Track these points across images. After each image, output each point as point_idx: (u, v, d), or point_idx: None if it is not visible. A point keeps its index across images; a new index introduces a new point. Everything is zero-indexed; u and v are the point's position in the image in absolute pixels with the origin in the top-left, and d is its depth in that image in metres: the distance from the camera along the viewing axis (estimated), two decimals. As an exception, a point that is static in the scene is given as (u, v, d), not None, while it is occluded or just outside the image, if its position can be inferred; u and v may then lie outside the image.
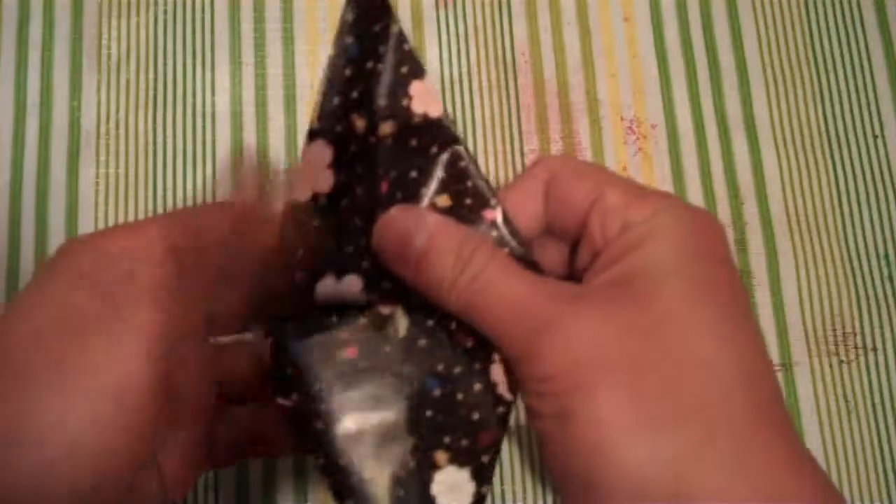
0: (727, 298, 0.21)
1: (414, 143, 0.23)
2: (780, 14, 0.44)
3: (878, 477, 0.38)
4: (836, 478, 0.38)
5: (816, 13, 0.44)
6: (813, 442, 0.38)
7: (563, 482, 0.20)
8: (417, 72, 0.23)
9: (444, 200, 0.24)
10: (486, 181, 0.24)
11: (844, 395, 0.39)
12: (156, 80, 0.41)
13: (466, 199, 0.24)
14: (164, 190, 0.39)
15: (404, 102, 0.23)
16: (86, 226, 0.39)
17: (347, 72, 0.23)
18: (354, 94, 0.23)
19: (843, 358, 0.40)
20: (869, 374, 0.40)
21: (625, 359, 0.20)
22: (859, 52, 0.44)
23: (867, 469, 0.38)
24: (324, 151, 0.23)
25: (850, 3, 0.44)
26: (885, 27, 0.44)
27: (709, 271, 0.21)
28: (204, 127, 0.40)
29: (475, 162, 0.24)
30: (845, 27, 0.44)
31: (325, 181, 0.24)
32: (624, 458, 0.19)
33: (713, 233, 0.22)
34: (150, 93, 0.40)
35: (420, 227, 0.23)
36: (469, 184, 0.24)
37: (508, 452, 0.37)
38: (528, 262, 0.24)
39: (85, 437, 0.19)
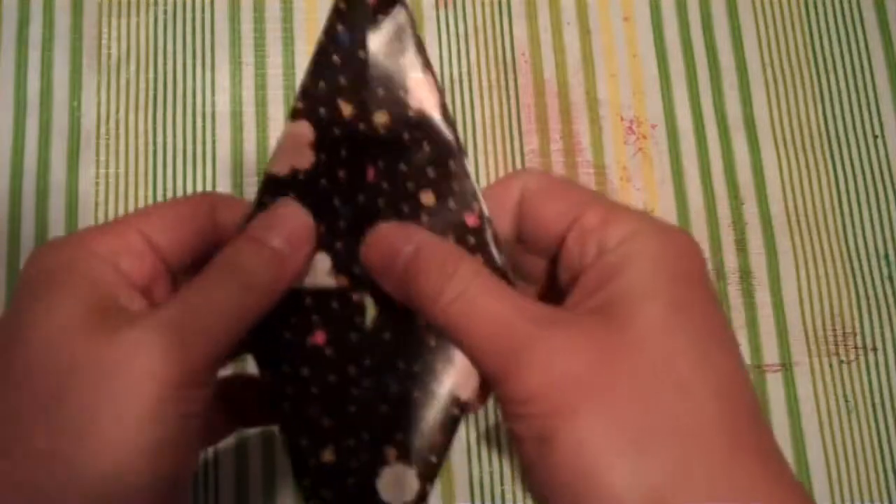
0: (703, 320, 0.21)
1: (406, 136, 0.23)
2: (780, 14, 0.44)
3: (878, 477, 0.38)
4: (836, 478, 0.38)
5: (816, 13, 0.44)
6: (813, 442, 0.39)
7: None
8: (419, 65, 0.23)
9: (428, 198, 0.24)
10: (474, 184, 0.24)
11: (844, 395, 0.39)
12: (156, 80, 0.41)
13: (450, 201, 0.24)
14: (164, 190, 0.39)
15: (401, 94, 0.23)
16: (86, 225, 0.39)
17: (336, 58, 0.24)
18: (343, 81, 0.24)
19: (843, 358, 0.40)
20: (869, 374, 0.40)
21: (603, 382, 0.20)
22: (859, 52, 0.44)
23: (867, 469, 0.38)
24: (306, 130, 0.24)
25: (850, 3, 0.44)
26: (885, 27, 0.44)
27: (685, 293, 0.21)
28: (204, 127, 0.40)
29: (464, 163, 0.24)
30: (845, 27, 0.44)
31: (305, 159, 0.24)
32: (606, 483, 0.19)
33: (689, 254, 0.22)
34: (150, 93, 0.40)
35: (407, 242, 0.23)
36: (455, 186, 0.24)
37: (509, 453, 0.37)
38: (502, 273, 0.24)
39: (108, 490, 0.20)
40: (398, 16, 0.23)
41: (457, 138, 0.24)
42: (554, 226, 0.23)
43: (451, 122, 0.25)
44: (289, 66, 0.41)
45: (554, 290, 0.24)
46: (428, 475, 0.24)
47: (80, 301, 0.21)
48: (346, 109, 0.24)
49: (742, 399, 0.20)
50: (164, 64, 0.41)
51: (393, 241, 0.23)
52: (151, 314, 0.21)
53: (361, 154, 0.24)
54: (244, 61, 0.41)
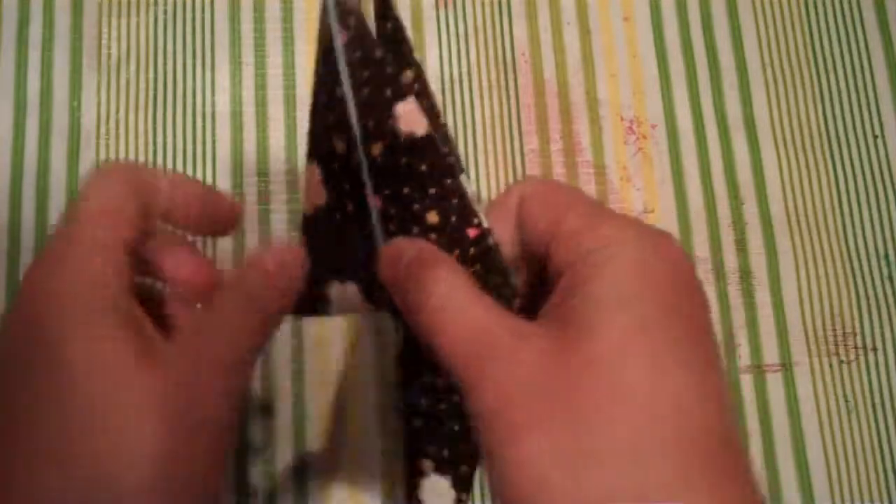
0: (675, 329, 0.20)
1: (404, 160, 0.24)
2: (780, 14, 0.44)
3: (878, 477, 0.38)
4: (836, 478, 0.38)
5: (816, 13, 0.44)
6: (813, 442, 0.39)
7: None
8: (400, 94, 0.23)
9: (432, 217, 0.24)
10: (472, 199, 0.24)
11: (844, 395, 0.39)
12: (156, 80, 0.41)
13: (452, 217, 0.24)
14: (164, 190, 0.39)
15: (390, 123, 0.23)
16: (86, 226, 0.39)
17: (322, 98, 0.25)
18: (331, 119, 0.24)
19: (843, 358, 0.40)
20: (869, 374, 0.40)
21: (556, 400, 0.19)
22: (859, 52, 0.44)
23: (867, 469, 0.38)
24: (316, 169, 0.25)
25: (850, 3, 0.44)
26: (885, 27, 0.44)
27: (655, 305, 0.20)
28: (204, 127, 0.40)
29: (460, 180, 0.24)
30: (845, 27, 0.44)
31: (320, 196, 0.26)
32: (553, 498, 0.19)
33: (671, 261, 0.21)
34: (150, 93, 0.40)
35: (406, 253, 0.24)
36: (455, 201, 0.24)
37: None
38: (501, 281, 0.24)
39: None
40: (376, 51, 0.23)
41: (450, 155, 0.24)
42: (541, 230, 0.23)
43: (445, 141, 0.25)
44: (289, 66, 0.41)
45: (545, 297, 0.24)
46: (463, 485, 0.24)
47: (119, 331, 0.22)
48: (339, 146, 0.24)
49: (704, 416, 0.20)
50: (164, 64, 0.41)
51: (398, 255, 0.24)
52: (166, 358, 0.22)
53: (360, 184, 0.25)
54: (244, 61, 0.41)
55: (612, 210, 0.23)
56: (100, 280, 0.22)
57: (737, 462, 0.20)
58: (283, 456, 0.37)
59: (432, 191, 0.24)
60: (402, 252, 0.24)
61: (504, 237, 0.24)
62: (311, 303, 0.26)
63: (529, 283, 0.25)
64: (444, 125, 0.27)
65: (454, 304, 0.22)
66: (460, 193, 0.24)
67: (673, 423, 0.19)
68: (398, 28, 0.26)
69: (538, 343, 0.20)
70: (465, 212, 0.24)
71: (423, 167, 0.24)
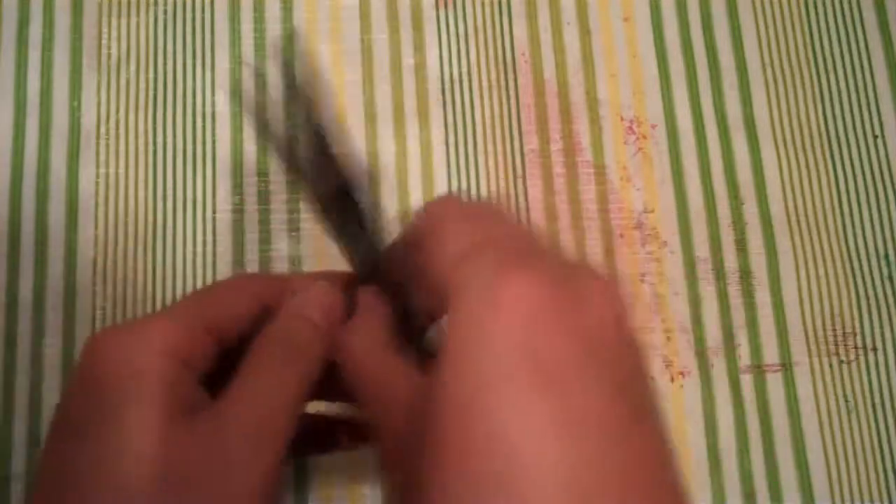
0: (538, 368, 0.18)
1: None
2: (780, 14, 0.44)
3: (878, 477, 0.38)
4: (836, 478, 0.38)
5: (816, 13, 0.44)
6: (813, 442, 0.38)
7: None
8: None
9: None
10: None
11: (844, 395, 0.39)
12: (156, 80, 0.41)
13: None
14: (164, 190, 0.39)
15: None
16: (86, 226, 0.39)
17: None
18: None
19: (843, 358, 0.40)
20: (869, 374, 0.40)
21: (428, 426, 0.19)
22: (859, 52, 0.44)
23: (867, 469, 0.38)
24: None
25: (850, 3, 0.44)
26: (885, 27, 0.44)
27: (516, 343, 0.18)
28: (204, 127, 0.40)
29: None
30: (845, 27, 0.44)
31: None
32: None
33: (519, 306, 0.19)
34: (150, 93, 0.40)
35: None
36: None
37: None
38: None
39: None
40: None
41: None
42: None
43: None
44: (288, 65, 0.41)
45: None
46: None
47: (159, 408, 0.21)
48: None
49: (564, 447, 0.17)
50: (164, 64, 0.41)
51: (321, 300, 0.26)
52: (223, 415, 0.22)
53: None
54: (244, 61, 0.41)
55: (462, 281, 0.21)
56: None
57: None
58: (283, 456, 0.37)
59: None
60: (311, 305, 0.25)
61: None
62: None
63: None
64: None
65: (358, 351, 0.24)
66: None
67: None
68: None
69: (412, 380, 0.22)
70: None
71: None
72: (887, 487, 0.38)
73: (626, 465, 0.17)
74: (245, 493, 0.21)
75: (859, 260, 0.41)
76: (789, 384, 0.39)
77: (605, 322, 0.19)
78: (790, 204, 0.42)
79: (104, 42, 0.41)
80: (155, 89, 0.41)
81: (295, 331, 0.24)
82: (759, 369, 0.39)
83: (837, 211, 0.42)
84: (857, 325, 0.40)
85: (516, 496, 0.16)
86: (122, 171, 0.40)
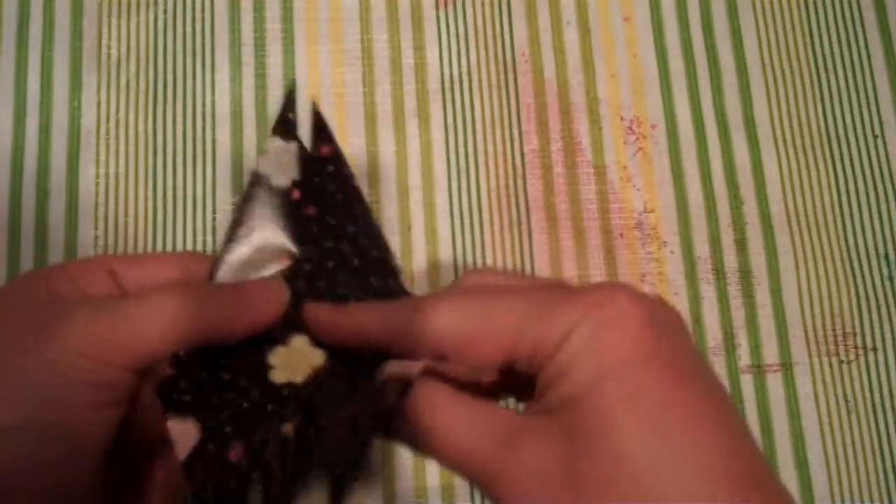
0: (660, 400, 0.21)
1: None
2: (780, 14, 0.44)
3: (878, 477, 0.38)
4: (836, 478, 0.38)
5: (816, 13, 0.44)
6: (813, 442, 0.38)
7: None
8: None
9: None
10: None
11: (844, 395, 0.39)
12: (156, 80, 0.41)
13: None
14: (164, 190, 0.39)
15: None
16: (86, 225, 0.39)
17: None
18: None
19: (843, 358, 0.40)
20: (869, 374, 0.40)
21: (568, 477, 0.20)
22: (859, 52, 0.44)
23: (867, 469, 0.38)
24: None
25: (850, 3, 0.44)
26: (885, 27, 0.44)
27: (636, 376, 0.21)
28: (204, 127, 0.40)
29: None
30: (845, 27, 0.44)
31: None
32: None
33: (629, 330, 0.21)
34: (150, 93, 0.40)
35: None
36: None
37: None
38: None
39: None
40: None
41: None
42: (493, 362, 0.23)
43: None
44: (289, 66, 0.41)
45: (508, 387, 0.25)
46: None
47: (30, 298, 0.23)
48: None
49: (720, 464, 0.20)
50: (164, 64, 0.41)
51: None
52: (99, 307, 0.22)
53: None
54: (244, 61, 0.41)
55: (564, 288, 0.23)
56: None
57: (775, 493, 0.20)
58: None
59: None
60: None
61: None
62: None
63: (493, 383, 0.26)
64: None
65: (439, 422, 0.22)
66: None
67: (685, 489, 0.20)
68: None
69: (537, 438, 0.21)
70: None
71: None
72: (887, 487, 0.38)
73: (720, 438, 0.21)
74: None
75: (859, 260, 0.41)
76: (789, 384, 0.39)
77: (648, 316, 0.22)
78: (790, 204, 0.42)
79: (104, 42, 0.41)
80: (155, 89, 0.41)
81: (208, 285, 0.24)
82: (759, 369, 0.39)
83: (837, 211, 0.42)
84: (857, 325, 0.40)
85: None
86: (122, 171, 0.40)
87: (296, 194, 0.26)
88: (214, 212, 0.39)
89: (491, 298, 0.23)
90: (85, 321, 0.22)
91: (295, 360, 0.25)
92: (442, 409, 0.23)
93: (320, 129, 0.26)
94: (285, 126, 0.26)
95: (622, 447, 0.20)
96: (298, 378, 0.24)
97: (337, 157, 0.26)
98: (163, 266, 0.25)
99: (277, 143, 0.26)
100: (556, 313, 0.22)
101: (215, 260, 0.25)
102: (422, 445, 0.23)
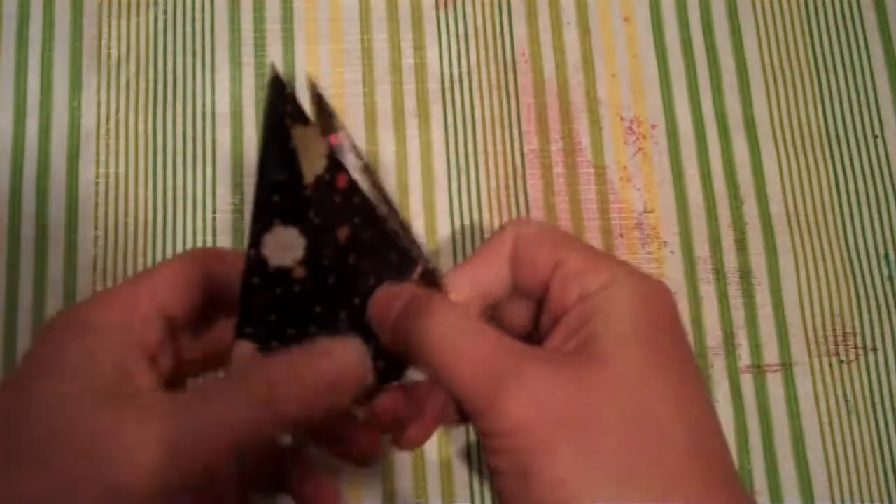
0: (678, 365, 0.22)
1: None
2: (780, 14, 0.44)
3: (878, 477, 0.38)
4: (836, 478, 0.38)
5: (816, 13, 0.44)
6: (813, 442, 0.38)
7: None
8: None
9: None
10: (408, 244, 0.26)
11: (844, 395, 0.39)
12: (156, 80, 0.41)
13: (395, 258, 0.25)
14: (164, 190, 0.39)
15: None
16: (86, 225, 0.39)
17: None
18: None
19: (843, 358, 0.40)
20: (869, 374, 0.40)
21: (583, 417, 0.20)
22: (859, 52, 0.44)
23: (867, 469, 0.38)
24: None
25: (850, 3, 0.44)
26: (885, 27, 0.44)
27: (661, 340, 0.22)
28: (204, 127, 0.40)
29: (392, 228, 0.25)
30: (845, 27, 0.44)
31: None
32: None
33: (665, 301, 0.23)
34: (150, 93, 0.40)
35: (398, 297, 0.24)
36: (400, 243, 0.25)
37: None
38: (431, 273, 0.26)
39: None
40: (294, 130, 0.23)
41: (378, 207, 0.25)
42: (541, 270, 0.25)
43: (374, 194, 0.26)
44: (289, 66, 0.41)
45: (537, 336, 0.26)
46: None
47: (94, 378, 0.21)
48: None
49: (711, 439, 0.22)
50: (164, 64, 0.41)
51: (387, 298, 0.25)
52: (159, 411, 0.21)
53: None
54: (244, 61, 0.41)
55: (607, 253, 0.25)
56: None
57: (738, 479, 0.22)
58: (283, 456, 0.37)
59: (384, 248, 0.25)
60: (393, 297, 0.24)
61: (497, 272, 0.26)
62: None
63: (523, 320, 0.26)
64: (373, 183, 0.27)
65: (457, 336, 0.22)
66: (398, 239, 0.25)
67: (691, 446, 0.21)
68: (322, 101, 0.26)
69: (550, 366, 0.21)
70: (407, 256, 0.25)
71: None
72: (887, 487, 0.38)
73: (711, 412, 0.23)
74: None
75: (859, 260, 0.41)
76: (789, 384, 0.39)
77: (677, 313, 0.24)
78: (790, 204, 0.42)
79: (104, 42, 0.41)
80: (155, 89, 0.41)
81: (277, 376, 0.22)
82: (759, 369, 0.39)
83: (837, 211, 0.42)
84: (857, 325, 0.40)
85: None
86: (122, 171, 0.40)
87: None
88: (214, 212, 0.39)
89: (558, 229, 0.26)
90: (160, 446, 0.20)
91: None
92: (465, 319, 0.23)
93: (329, 115, 0.25)
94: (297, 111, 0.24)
95: (649, 410, 0.21)
96: None
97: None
98: (183, 275, 0.25)
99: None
100: (607, 260, 0.24)
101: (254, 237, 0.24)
102: (432, 355, 0.22)
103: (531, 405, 0.20)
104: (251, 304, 0.24)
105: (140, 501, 0.20)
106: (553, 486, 0.19)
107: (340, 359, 0.23)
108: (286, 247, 0.24)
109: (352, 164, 0.26)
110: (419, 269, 0.26)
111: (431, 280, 0.26)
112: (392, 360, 0.26)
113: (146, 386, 0.22)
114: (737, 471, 0.22)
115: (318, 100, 0.25)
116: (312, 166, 0.23)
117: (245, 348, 0.24)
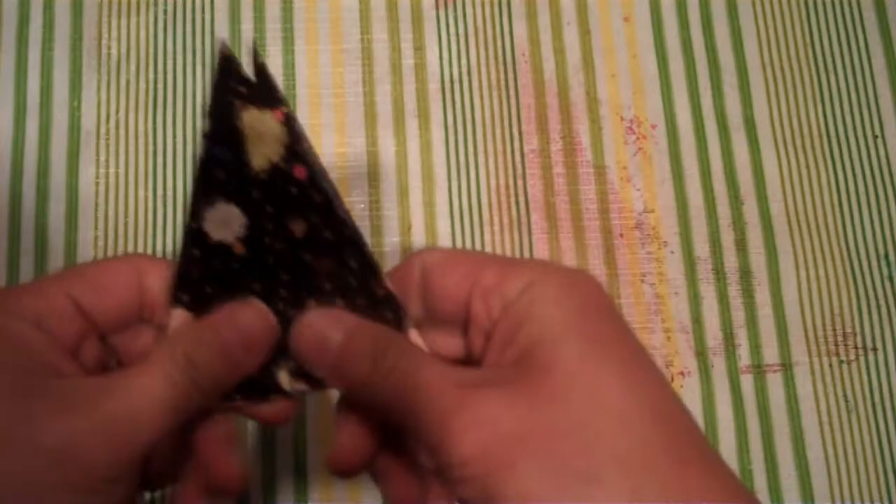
0: (620, 348, 0.22)
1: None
2: (780, 14, 0.44)
3: (878, 477, 0.38)
4: (836, 478, 0.38)
5: (816, 13, 0.44)
6: (813, 442, 0.38)
7: None
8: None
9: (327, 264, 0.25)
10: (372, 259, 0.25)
11: (844, 395, 0.39)
12: (156, 80, 0.41)
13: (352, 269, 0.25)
14: (164, 190, 0.39)
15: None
16: (86, 225, 0.39)
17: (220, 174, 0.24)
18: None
19: (843, 358, 0.40)
20: (869, 374, 0.40)
21: (537, 429, 0.20)
22: (859, 52, 0.44)
23: (867, 469, 0.38)
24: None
25: (850, 3, 0.44)
26: (885, 27, 0.44)
27: (595, 326, 0.22)
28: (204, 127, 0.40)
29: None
30: (845, 27, 0.44)
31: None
32: None
33: (590, 290, 0.23)
34: (150, 93, 0.40)
35: (336, 330, 0.24)
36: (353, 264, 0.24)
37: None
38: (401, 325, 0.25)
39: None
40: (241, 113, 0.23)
41: (339, 208, 0.24)
42: (456, 292, 0.24)
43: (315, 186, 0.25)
44: (289, 66, 0.41)
45: (471, 359, 0.25)
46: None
47: (6, 368, 0.21)
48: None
49: (676, 416, 0.21)
50: (164, 64, 0.41)
51: (321, 330, 0.24)
52: (85, 399, 0.21)
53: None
54: (244, 61, 0.41)
55: (523, 258, 0.24)
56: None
57: (713, 452, 0.21)
58: (284, 455, 0.37)
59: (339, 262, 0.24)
60: (327, 328, 0.24)
61: (408, 304, 0.25)
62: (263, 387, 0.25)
63: (453, 347, 0.26)
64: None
65: (404, 371, 0.22)
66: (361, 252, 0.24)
67: (655, 430, 0.20)
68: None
69: (492, 389, 0.21)
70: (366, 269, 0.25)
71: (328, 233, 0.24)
72: (887, 487, 0.38)
73: (666, 387, 0.22)
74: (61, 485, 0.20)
75: (859, 260, 0.41)
76: (789, 384, 0.39)
77: (603, 294, 0.24)
78: (790, 204, 0.42)
79: (104, 42, 0.41)
80: (155, 89, 0.41)
81: (197, 346, 0.23)
82: (759, 369, 0.39)
83: (837, 211, 0.42)
84: (857, 325, 0.40)
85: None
86: (122, 171, 0.40)
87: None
88: (214, 212, 0.39)
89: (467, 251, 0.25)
90: (67, 428, 0.21)
91: None
92: (413, 352, 0.23)
93: (272, 89, 0.24)
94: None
95: (602, 403, 0.20)
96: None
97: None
98: (119, 277, 0.25)
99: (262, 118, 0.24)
100: (522, 264, 0.23)
101: (191, 231, 0.24)
102: (384, 393, 0.23)
103: (480, 432, 0.20)
104: (188, 275, 0.24)
105: (56, 494, 0.20)
106: (520, 500, 0.19)
107: (249, 319, 0.24)
108: (227, 223, 0.24)
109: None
110: (384, 283, 0.25)
111: (389, 297, 0.25)
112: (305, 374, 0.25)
113: (67, 372, 0.23)
114: (705, 440, 0.21)
115: (261, 70, 0.25)
116: (267, 151, 0.23)
117: (179, 318, 0.25)
